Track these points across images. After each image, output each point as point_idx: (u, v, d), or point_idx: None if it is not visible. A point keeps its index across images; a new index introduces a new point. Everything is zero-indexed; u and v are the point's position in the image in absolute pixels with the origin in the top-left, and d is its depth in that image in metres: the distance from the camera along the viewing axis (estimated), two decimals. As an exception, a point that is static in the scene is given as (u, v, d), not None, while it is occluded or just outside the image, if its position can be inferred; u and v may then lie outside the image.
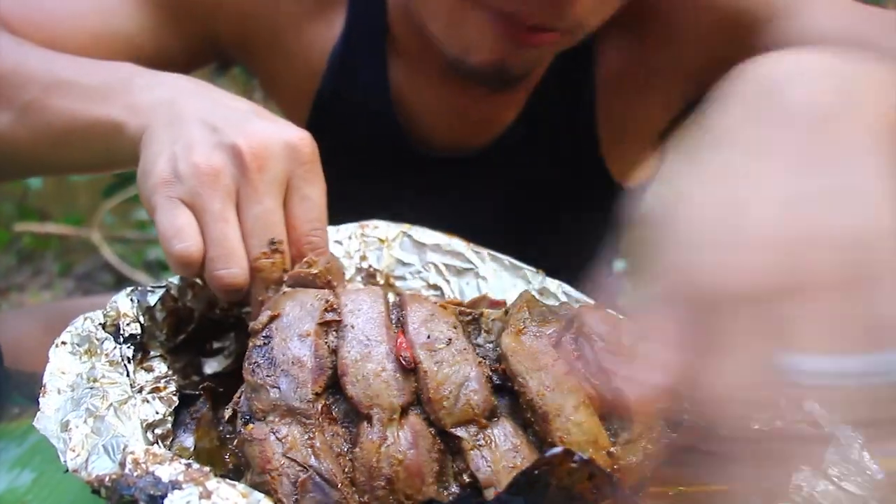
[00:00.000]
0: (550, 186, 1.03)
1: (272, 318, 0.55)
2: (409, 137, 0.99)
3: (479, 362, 0.54)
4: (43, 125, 0.71)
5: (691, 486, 0.57)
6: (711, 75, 0.90)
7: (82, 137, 0.69)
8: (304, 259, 0.61)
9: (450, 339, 0.55)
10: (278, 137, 0.61)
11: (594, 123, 0.97)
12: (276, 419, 0.50)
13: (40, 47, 0.77)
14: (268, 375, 0.52)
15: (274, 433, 0.50)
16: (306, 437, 0.50)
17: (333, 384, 0.53)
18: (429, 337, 0.54)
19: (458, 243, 0.76)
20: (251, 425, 0.51)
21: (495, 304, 0.67)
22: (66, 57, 0.75)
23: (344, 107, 0.98)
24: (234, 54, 1.00)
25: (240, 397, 0.53)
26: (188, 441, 0.58)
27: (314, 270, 0.60)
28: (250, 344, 0.54)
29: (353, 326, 0.55)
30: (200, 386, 0.60)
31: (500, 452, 0.50)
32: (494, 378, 0.54)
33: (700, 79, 0.93)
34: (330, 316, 0.55)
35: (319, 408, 0.51)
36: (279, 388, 0.51)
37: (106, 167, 0.75)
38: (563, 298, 0.72)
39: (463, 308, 0.60)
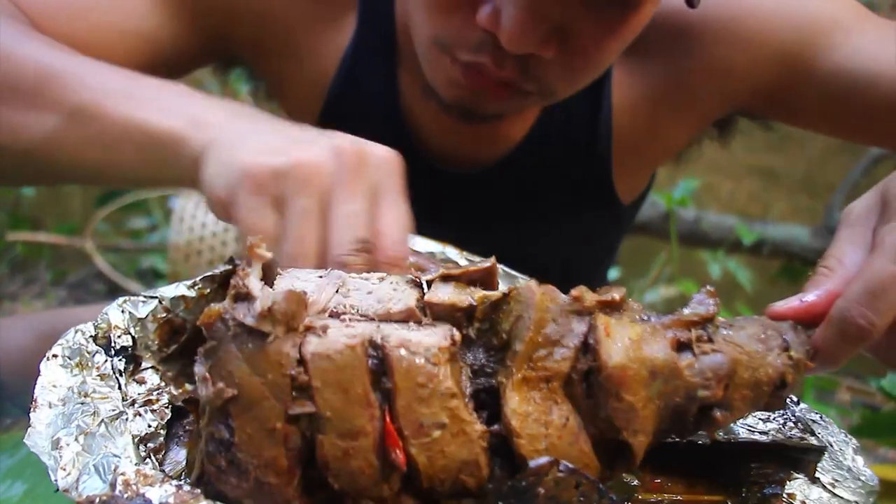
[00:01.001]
0: (555, 204, 1.04)
1: (229, 400, 0.46)
2: (418, 148, 0.99)
3: (479, 435, 0.48)
4: (96, 130, 0.68)
5: (683, 494, 0.57)
6: (752, 102, 0.93)
7: (138, 146, 0.66)
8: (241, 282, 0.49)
9: (444, 424, 0.47)
10: (373, 147, 0.61)
11: (609, 147, 0.97)
12: None
13: (83, 56, 0.75)
14: (238, 486, 0.46)
15: None
16: None
17: (310, 457, 0.47)
18: (421, 425, 0.47)
19: (451, 251, 0.76)
20: None
21: (477, 272, 0.57)
22: (115, 67, 0.72)
23: (353, 112, 0.98)
24: (245, 56, 1.00)
25: (202, 466, 0.49)
26: (181, 455, 0.57)
27: (266, 328, 0.46)
28: (207, 430, 0.47)
29: (329, 418, 0.46)
30: (183, 399, 0.59)
31: None
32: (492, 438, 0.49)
33: (738, 105, 0.96)
34: (300, 408, 0.46)
35: (298, 494, 0.47)
36: (254, 499, 0.46)
37: (152, 181, 0.72)
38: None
39: (458, 339, 0.50)
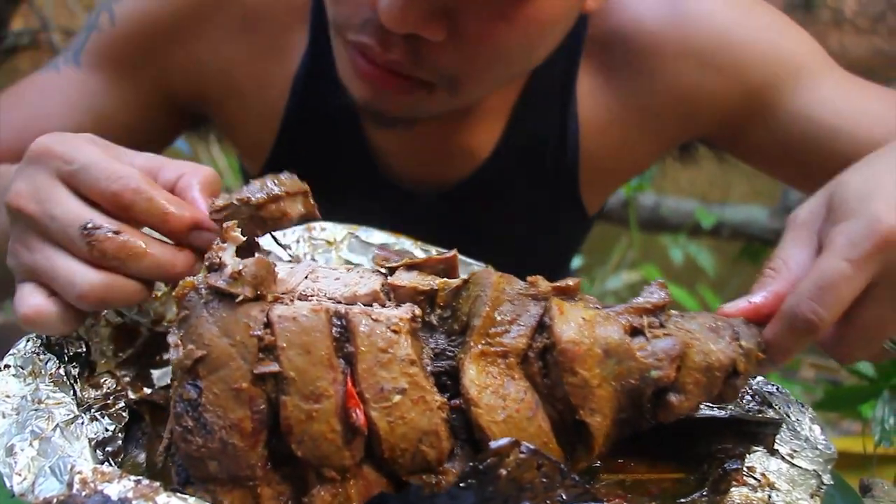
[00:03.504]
0: (523, 221, 1.04)
1: (197, 360, 0.48)
2: (384, 170, 0.97)
3: (438, 406, 0.50)
4: None
5: (645, 473, 0.58)
6: (713, 132, 0.94)
7: None
8: (216, 261, 0.51)
9: (404, 389, 0.49)
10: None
11: (577, 165, 0.97)
12: (217, 488, 0.47)
13: None
14: (203, 446, 0.47)
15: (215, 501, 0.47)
16: (251, 499, 0.48)
17: (275, 423, 0.48)
18: (382, 389, 0.48)
19: (405, 242, 0.76)
20: (190, 488, 0.48)
21: (439, 261, 0.59)
22: None
23: (310, 138, 0.95)
24: (193, 107, 0.97)
25: (171, 434, 0.50)
26: (140, 457, 0.57)
27: (236, 289, 0.49)
28: (176, 392, 0.48)
29: (293, 378, 0.47)
30: (133, 402, 0.59)
31: None
32: (453, 418, 0.51)
33: (700, 133, 0.96)
34: (265, 367, 0.47)
35: (262, 463, 0.48)
36: (218, 461, 0.47)
37: None
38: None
39: (419, 315, 0.53)
